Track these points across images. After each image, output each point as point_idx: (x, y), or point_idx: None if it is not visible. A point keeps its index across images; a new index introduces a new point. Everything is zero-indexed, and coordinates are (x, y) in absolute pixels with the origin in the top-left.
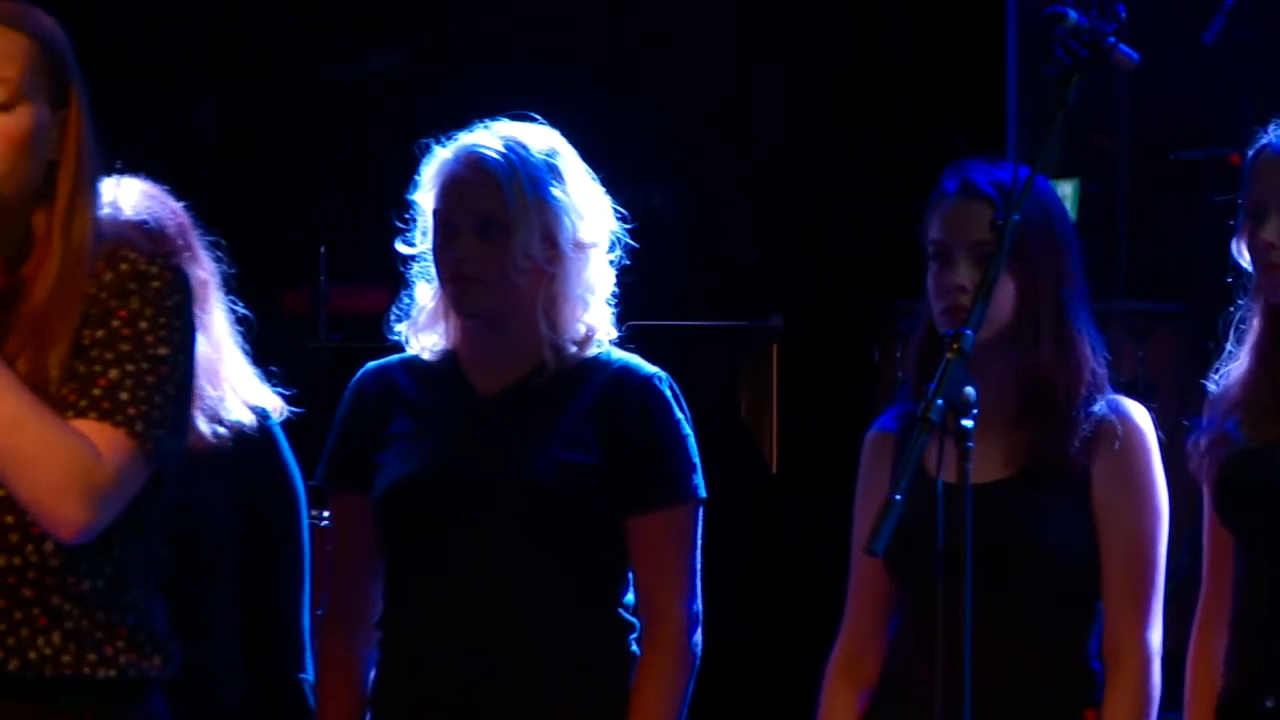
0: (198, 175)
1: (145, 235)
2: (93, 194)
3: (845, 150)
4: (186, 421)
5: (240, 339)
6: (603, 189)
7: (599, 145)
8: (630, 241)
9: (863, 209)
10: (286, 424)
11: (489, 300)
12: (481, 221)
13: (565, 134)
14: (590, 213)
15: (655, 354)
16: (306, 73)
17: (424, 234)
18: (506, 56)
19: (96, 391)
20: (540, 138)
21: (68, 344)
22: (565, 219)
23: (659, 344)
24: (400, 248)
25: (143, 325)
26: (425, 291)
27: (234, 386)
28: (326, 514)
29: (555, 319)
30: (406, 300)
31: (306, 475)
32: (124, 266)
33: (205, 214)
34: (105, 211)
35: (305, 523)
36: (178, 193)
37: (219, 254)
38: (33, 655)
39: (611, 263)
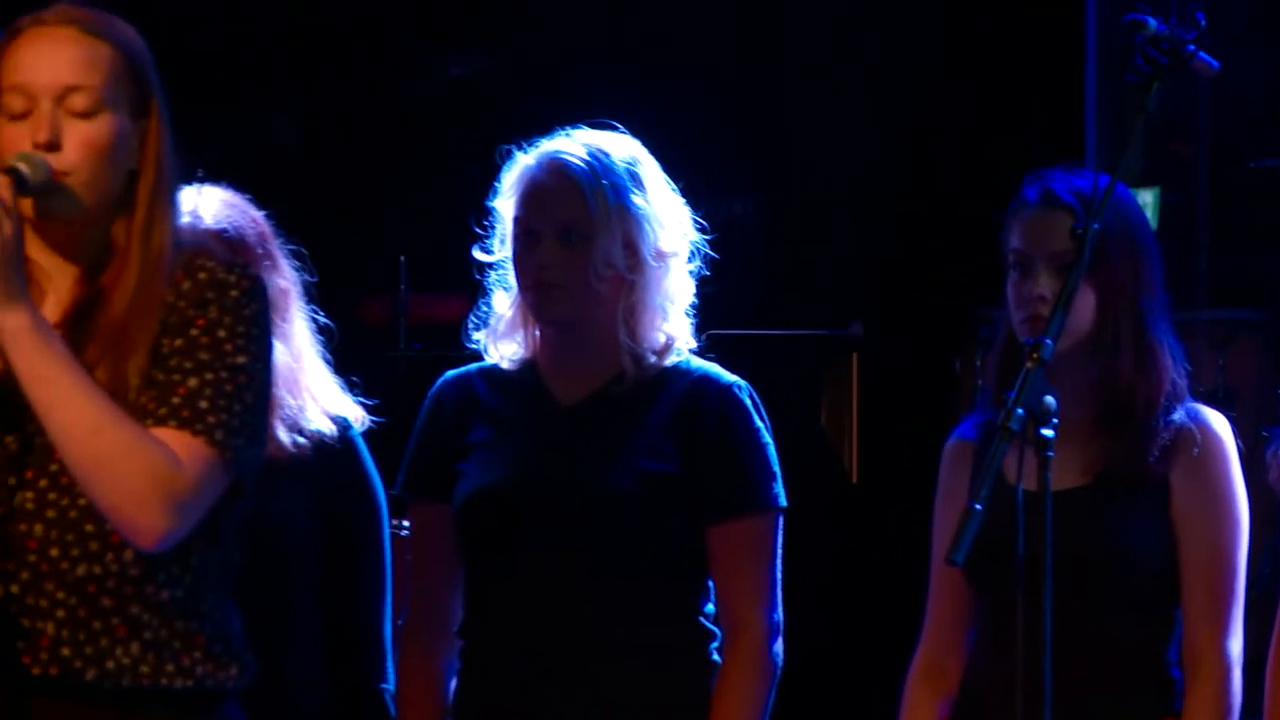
0: (280, 184)
1: (225, 244)
2: (172, 204)
3: (926, 159)
4: (265, 430)
5: (321, 348)
6: (684, 198)
7: (681, 154)
8: (710, 251)
9: (943, 217)
10: (367, 433)
11: (569, 307)
12: (564, 228)
13: (647, 143)
14: (671, 222)
15: (735, 363)
16: (388, 81)
17: (503, 241)
18: (588, 65)
19: (176, 400)
20: (622, 146)
21: (146, 352)
22: (647, 227)
23: (739, 353)
24: (478, 255)
25: (221, 334)
26: (503, 300)
27: (314, 396)
28: (406, 523)
29: (635, 328)
30: (485, 308)
31: (387, 484)
32: (202, 275)
33: (287, 223)
34: (185, 221)
35: (386, 532)
36: (260, 201)
37: (300, 263)
38: (110, 665)
39: (691, 273)
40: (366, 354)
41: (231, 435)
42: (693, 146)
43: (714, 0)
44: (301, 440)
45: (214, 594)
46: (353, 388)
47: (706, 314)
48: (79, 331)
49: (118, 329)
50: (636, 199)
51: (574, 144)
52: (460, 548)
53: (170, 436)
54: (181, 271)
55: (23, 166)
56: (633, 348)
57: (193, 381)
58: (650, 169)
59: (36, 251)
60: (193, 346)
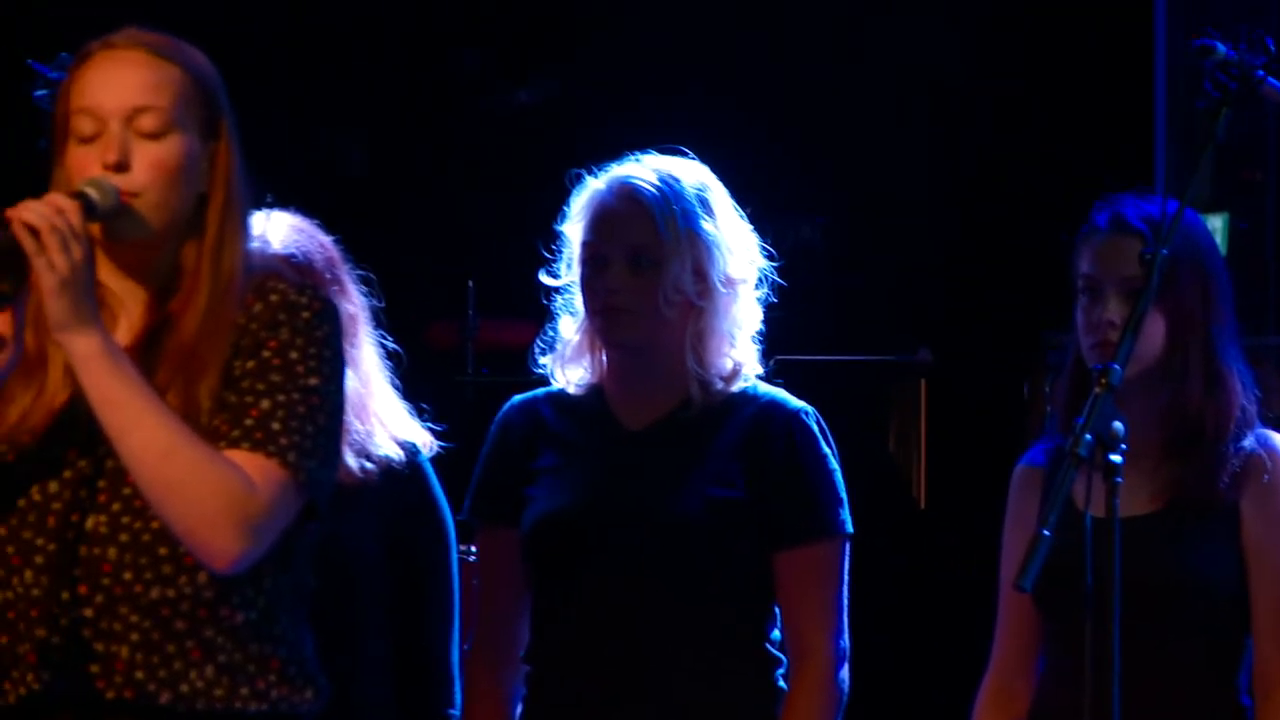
0: (348, 208)
1: (293, 269)
2: (242, 226)
3: (994, 183)
4: (338, 452)
5: (389, 373)
6: (751, 223)
7: (748, 179)
8: (778, 278)
9: (1011, 242)
10: (435, 458)
11: (638, 332)
12: (633, 253)
13: (714, 168)
14: (740, 248)
15: (802, 388)
16: (456, 106)
17: (569, 266)
18: (655, 90)
19: (248, 422)
20: (691, 172)
21: (218, 375)
22: (716, 254)
23: (806, 378)
24: (545, 279)
25: (293, 355)
26: (570, 325)
27: (382, 421)
28: (474, 549)
29: (703, 354)
30: (552, 333)
31: (454, 509)
32: (274, 298)
33: (355, 247)
34: (254, 244)
35: (454, 557)
36: (328, 226)
37: (368, 288)
38: (185, 689)
39: (759, 299)
40: (434, 379)
41: (304, 457)
42: (760, 171)
43: (780, 26)
44: (369, 466)
45: (288, 617)
46: (420, 413)
47: (774, 339)
48: (150, 355)
49: (188, 352)
50: (706, 225)
51: (644, 169)
52: (527, 573)
53: (243, 459)
54: (253, 294)
55: (91, 191)
56: (700, 374)
57: (265, 403)
58: (719, 195)
59: (108, 275)
60: (265, 368)
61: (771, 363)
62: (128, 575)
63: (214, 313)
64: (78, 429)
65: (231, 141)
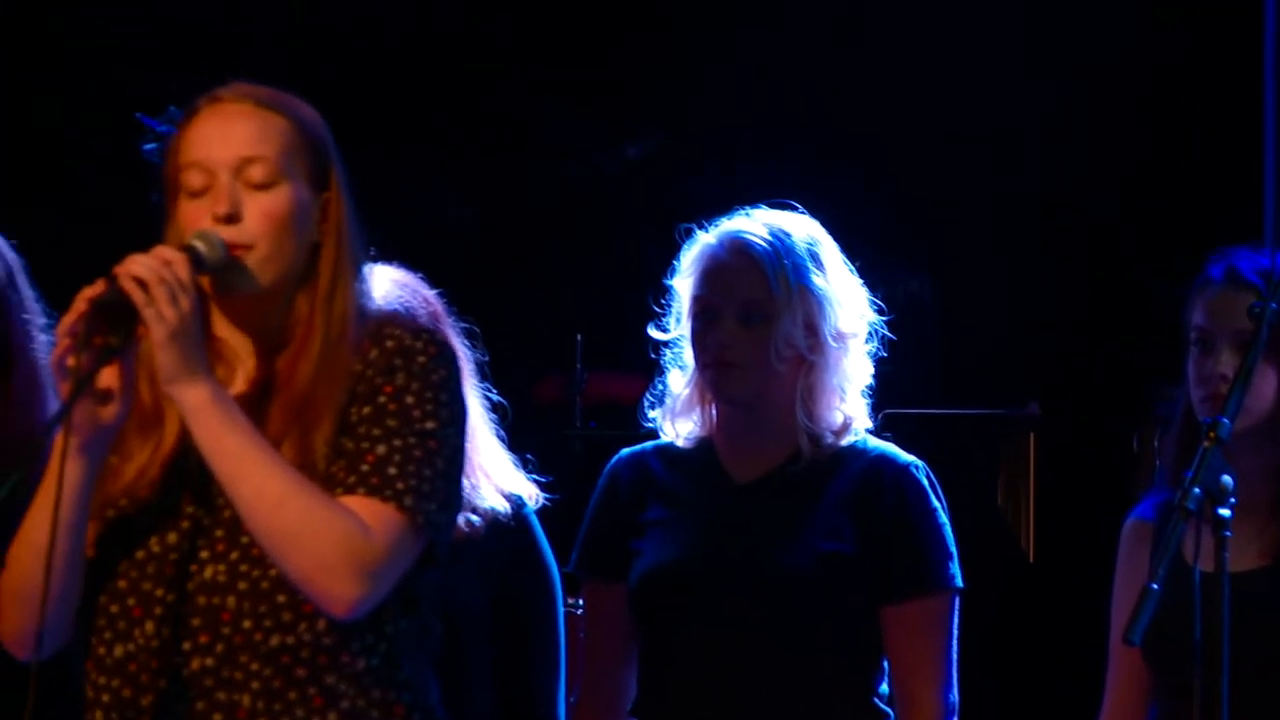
0: (456, 262)
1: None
2: (355, 275)
3: (1102, 236)
4: (458, 495)
5: (495, 426)
6: (860, 278)
7: (857, 233)
8: (887, 332)
9: (1120, 295)
10: (541, 511)
11: (749, 386)
12: (745, 308)
13: (823, 222)
14: (850, 303)
15: (911, 442)
16: (563, 160)
17: (678, 320)
18: (764, 145)
19: (364, 467)
20: (801, 226)
21: (333, 423)
22: (827, 308)
23: (915, 432)
24: (653, 333)
25: (409, 400)
26: (679, 379)
27: (488, 474)
28: (580, 601)
29: (813, 408)
30: (660, 387)
31: (561, 562)
32: (389, 343)
33: (462, 301)
34: (368, 293)
35: (560, 610)
36: (436, 278)
37: (474, 341)
38: None
39: (869, 353)
40: (541, 432)
41: (421, 500)
42: (869, 226)
43: (890, 79)
44: (474, 519)
45: (411, 663)
46: (527, 466)
47: (883, 393)
48: (266, 404)
49: (303, 401)
50: (817, 279)
51: (755, 223)
52: (634, 626)
53: (359, 504)
54: (370, 340)
55: (199, 244)
56: (810, 427)
57: (381, 449)
58: (829, 249)
59: (222, 327)
60: (381, 414)
61: (880, 416)
62: (247, 624)
63: (327, 361)
64: (194, 480)
65: (342, 191)
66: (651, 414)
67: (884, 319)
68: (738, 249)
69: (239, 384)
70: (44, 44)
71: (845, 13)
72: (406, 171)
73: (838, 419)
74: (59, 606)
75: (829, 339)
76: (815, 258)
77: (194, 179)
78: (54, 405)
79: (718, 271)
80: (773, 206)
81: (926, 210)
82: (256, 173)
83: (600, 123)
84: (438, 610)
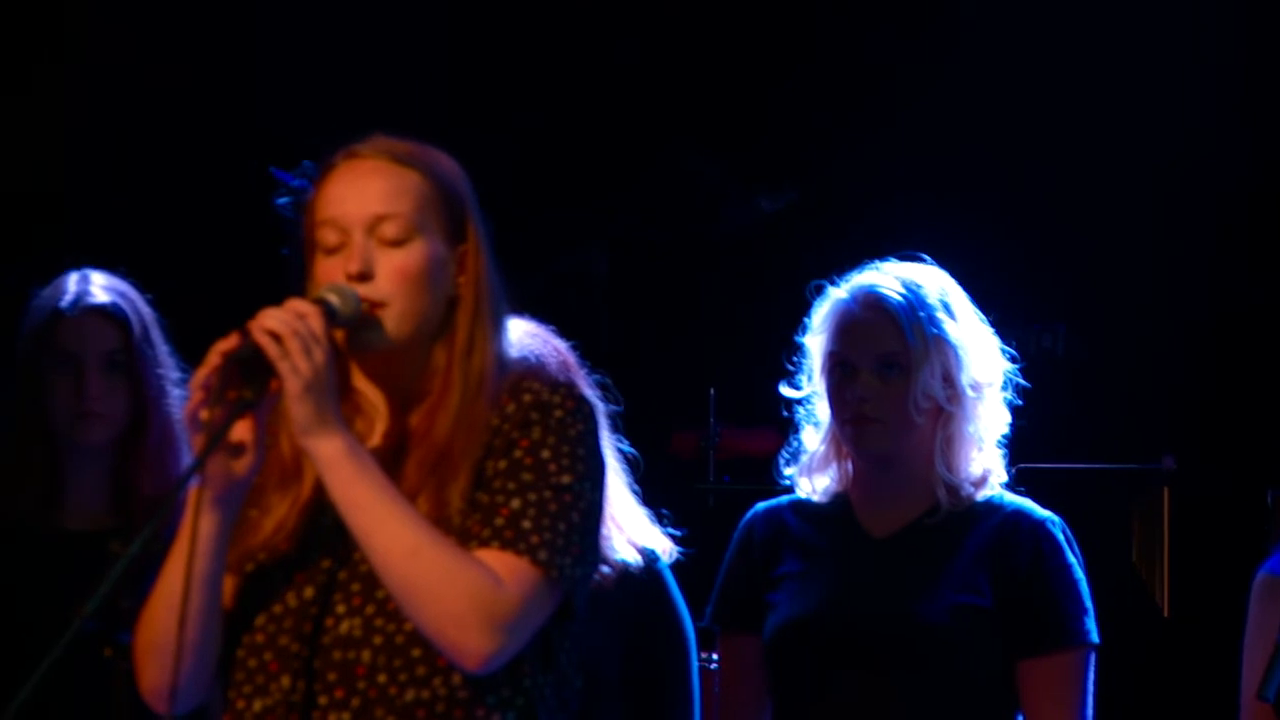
0: (589, 314)
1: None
2: (493, 328)
3: (1237, 288)
4: (595, 549)
5: (629, 479)
6: (993, 330)
7: (989, 286)
8: (1021, 383)
9: (1256, 348)
10: (675, 565)
11: (889, 441)
12: (882, 361)
13: (956, 275)
14: (984, 351)
15: (1045, 496)
16: (696, 212)
17: (810, 377)
18: (895, 198)
19: (499, 521)
20: (932, 277)
21: (469, 477)
22: (963, 357)
23: (1050, 486)
24: (786, 391)
25: (545, 454)
26: (814, 435)
27: (621, 526)
28: (715, 656)
29: (951, 459)
30: (795, 444)
31: (695, 616)
32: (527, 397)
33: (595, 354)
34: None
35: (694, 664)
36: (570, 331)
37: (608, 394)
38: None
39: (1005, 401)
40: (675, 486)
41: (556, 554)
42: (1001, 278)
43: (1021, 130)
44: (606, 570)
45: (549, 717)
46: (662, 519)
47: (1017, 447)
48: (402, 458)
49: (440, 455)
50: (951, 329)
51: (887, 277)
52: (769, 680)
53: (493, 558)
54: (508, 394)
55: (332, 297)
56: (949, 479)
57: (515, 502)
58: (960, 299)
59: (360, 381)
60: (516, 467)
61: (1015, 471)
62: (382, 678)
63: (465, 416)
64: (331, 534)
65: (480, 244)
66: (787, 471)
67: (1017, 368)
68: (871, 303)
69: (376, 438)
70: (183, 101)
71: (977, 65)
72: (542, 224)
73: (976, 470)
74: (196, 660)
75: (966, 388)
76: (948, 308)
77: (328, 236)
78: (187, 459)
79: (852, 326)
80: (902, 259)
81: (1059, 264)
82: (390, 230)
83: (737, 175)
84: (578, 664)
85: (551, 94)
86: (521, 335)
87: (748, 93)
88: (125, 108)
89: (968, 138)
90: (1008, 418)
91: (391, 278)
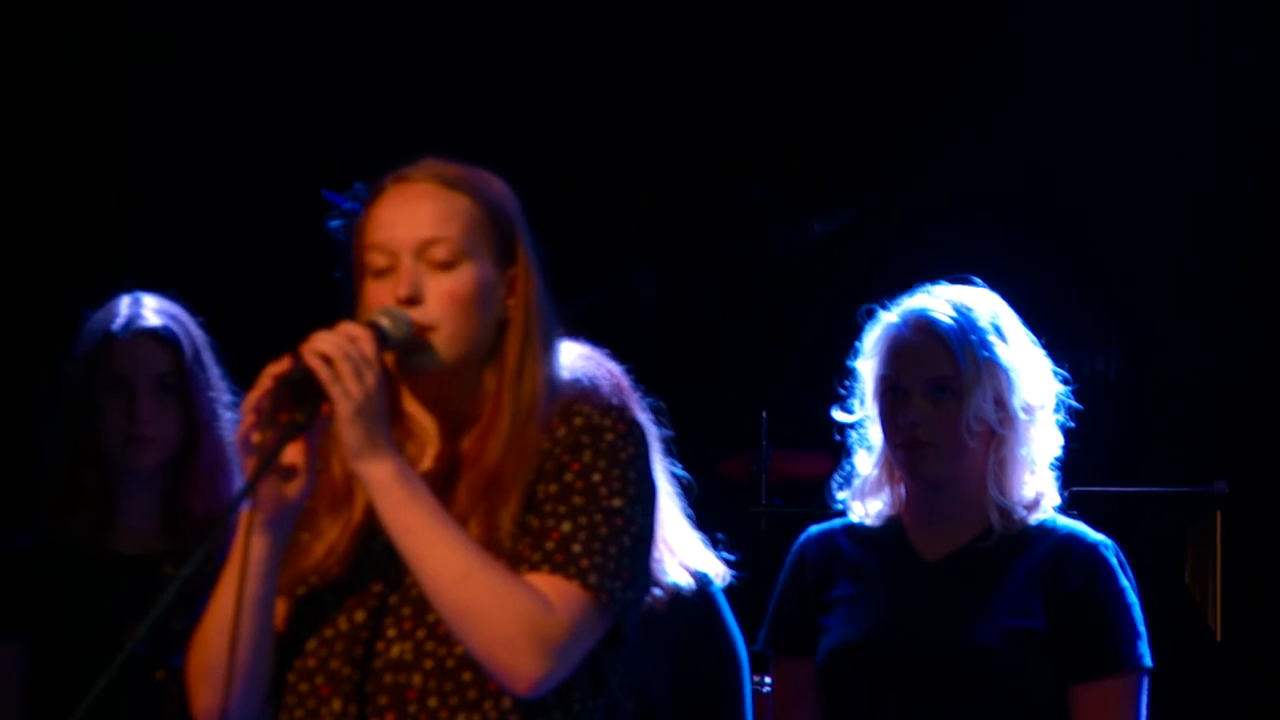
0: (640, 338)
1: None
2: (545, 351)
3: None
4: (646, 573)
5: (681, 503)
6: (1045, 353)
7: (1042, 310)
8: (1073, 405)
9: None
10: (728, 588)
11: (942, 464)
12: (933, 385)
13: (1011, 297)
14: (1036, 373)
15: (1097, 519)
16: (748, 236)
17: (862, 401)
18: (947, 220)
19: (549, 545)
20: (983, 300)
21: (519, 501)
22: (1014, 380)
23: (1102, 510)
24: (838, 415)
25: (595, 478)
26: (866, 459)
27: (673, 550)
28: (768, 679)
29: (1004, 482)
30: (847, 468)
31: (748, 640)
32: (578, 420)
33: (647, 379)
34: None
35: (747, 687)
36: (620, 356)
37: (660, 417)
38: None
39: (1057, 423)
40: (727, 509)
41: (607, 578)
42: (1053, 302)
43: (1076, 154)
44: (658, 593)
45: None
46: (714, 543)
47: (1070, 470)
48: (453, 482)
49: (490, 479)
50: (1003, 352)
51: (937, 300)
52: (822, 704)
53: (543, 581)
54: (559, 417)
55: (383, 321)
56: (1002, 502)
57: (566, 526)
58: (1011, 322)
59: (411, 405)
60: (567, 491)
61: (1067, 494)
62: (433, 702)
63: (515, 439)
64: (383, 558)
65: (531, 267)
66: (840, 495)
67: (1069, 390)
68: (922, 327)
69: (427, 461)
70: (237, 124)
71: (1032, 88)
72: (594, 246)
73: (1029, 493)
74: (248, 683)
75: (1018, 411)
76: (999, 331)
77: (378, 259)
78: (239, 482)
79: (904, 350)
80: (952, 282)
81: (1111, 287)
82: (439, 253)
83: (785, 199)
84: (629, 688)
85: (604, 116)
86: (575, 358)
87: (800, 115)
88: (180, 130)
89: (1023, 161)
90: (1060, 440)
91: (441, 302)
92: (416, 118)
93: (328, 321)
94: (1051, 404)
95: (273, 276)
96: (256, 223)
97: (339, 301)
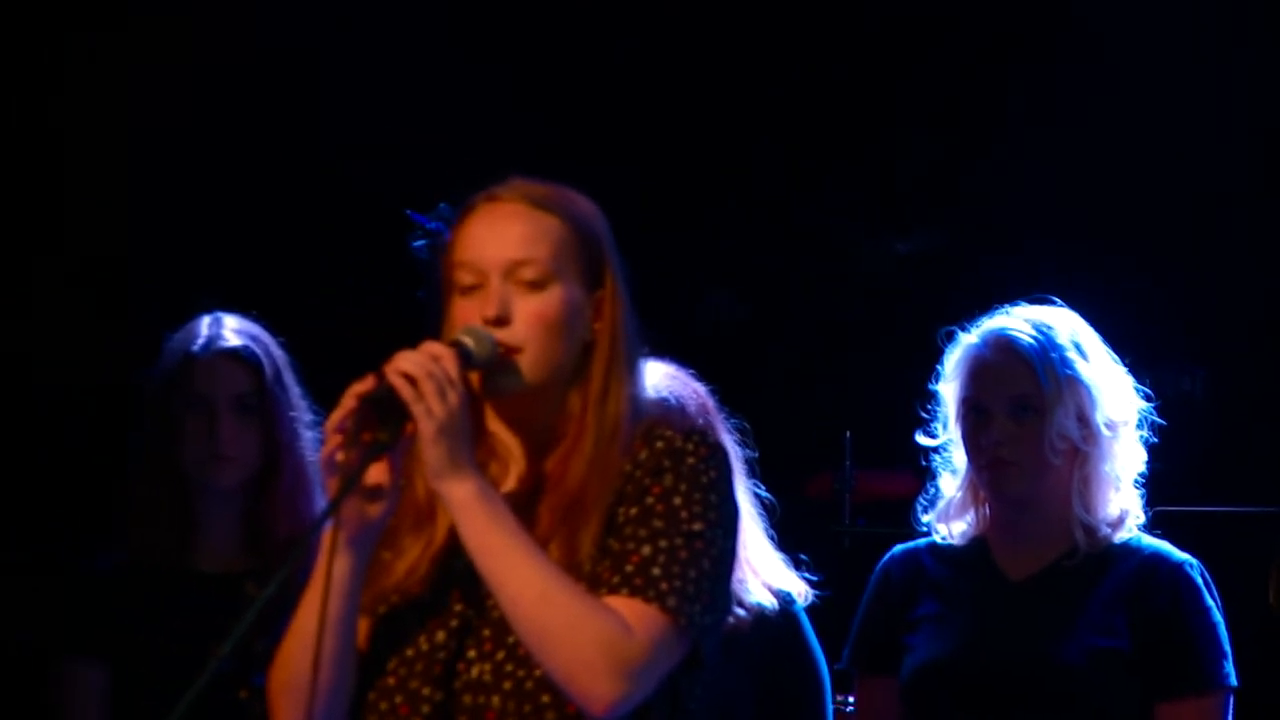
0: (724, 358)
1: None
2: (629, 375)
3: None
4: (726, 597)
5: (765, 523)
6: (1132, 374)
7: (1129, 329)
8: (1159, 425)
9: None
10: (811, 608)
11: (1025, 483)
12: (1016, 405)
13: (1098, 317)
14: (1118, 391)
15: (1183, 539)
16: (833, 255)
17: (944, 425)
18: (1034, 240)
19: (629, 568)
20: (1062, 319)
21: (601, 523)
22: (1096, 397)
23: (1188, 529)
24: (922, 440)
25: (676, 501)
26: (950, 481)
27: (756, 569)
28: (851, 698)
29: (1089, 500)
30: (931, 491)
31: (831, 659)
32: (659, 444)
33: (731, 399)
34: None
35: (829, 706)
36: (706, 375)
37: (744, 438)
38: None
39: (1140, 439)
40: (810, 529)
41: (686, 602)
42: (1140, 322)
43: (1164, 173)
44: (741, 613)
45: None
46: (797, 563)
47: (1155, 490)
48: (535, 504)
49: (572, 501)
50: (1084, 369)
51: (1017, 320)
52: None
53: (622, 604)
54: (641, 440)
55: (467, 340)
56: (1087, 519)
57: (646, 549)
58: (1091, 339)
59: (496, 425)
60: (647, 514)
61: (1152, 514)
62: None
63: (598, 462)
64: (464, 578)
65: (618, 290)
66: (924, 518)
67: (1152, 408)
68: (1003, 347)
69: (510, 482)
70: (320, 144)
71: (1119, 104)
72: (679, 266)
73: (1114, 510)
74: (330, 701)
75: (1101, 428)
76: (1080, 348)
77: (465, 277)
78: (320, 502)
79: (984, 370)
80: (1031, 302)
81: (1198, 307)
82: (527, 274)
83: (871, 218)
84: (706, 712)
85: (688, 134)
86: (660, 378)
87: (885, 134)
88: (260, 148)
89: (1110, 181)
90: (1144, 456)
91: (528, 322)
92: (501, 135)
93: (412, 342)
94: (1134, 420)
95: (356, 296)
96: (341, 242)
97: (423, 321)
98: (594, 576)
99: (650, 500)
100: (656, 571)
